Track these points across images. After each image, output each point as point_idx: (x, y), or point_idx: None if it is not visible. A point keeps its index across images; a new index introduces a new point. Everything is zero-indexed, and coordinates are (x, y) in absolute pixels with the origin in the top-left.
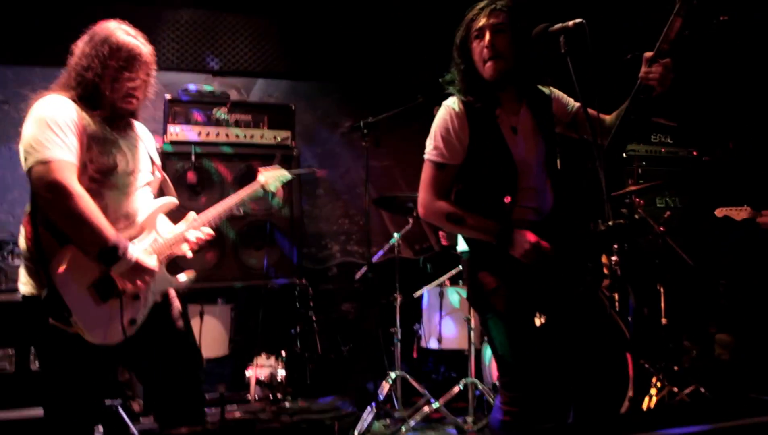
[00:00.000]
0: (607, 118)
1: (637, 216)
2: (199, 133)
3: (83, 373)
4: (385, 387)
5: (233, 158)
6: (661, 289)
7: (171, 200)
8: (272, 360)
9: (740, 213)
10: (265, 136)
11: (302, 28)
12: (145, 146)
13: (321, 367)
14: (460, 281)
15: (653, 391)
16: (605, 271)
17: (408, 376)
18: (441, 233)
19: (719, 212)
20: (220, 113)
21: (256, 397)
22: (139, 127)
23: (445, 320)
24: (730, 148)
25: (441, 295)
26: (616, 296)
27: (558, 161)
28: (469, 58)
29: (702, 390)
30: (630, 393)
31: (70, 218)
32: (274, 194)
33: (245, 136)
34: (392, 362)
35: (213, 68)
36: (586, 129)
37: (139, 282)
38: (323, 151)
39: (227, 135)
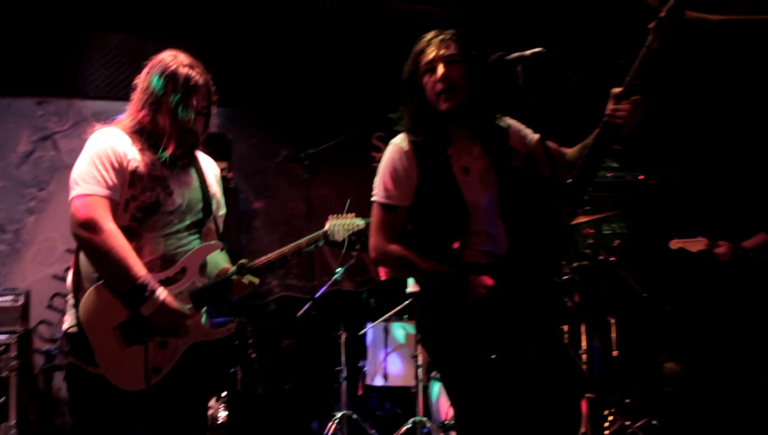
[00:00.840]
0: (568, 151)
1: (601, 257)
2: None
3: (107, 415)
4: (332, 427)
5: None
6: (612, 321)
7: (215, 243)
8: (213, 401)
9: (696, 244)
10: None
11: (236, 56)
12: (203, 185)
13: (263, 407)
14: (405, 316)
15: (606, 425)
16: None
17: (354, 415)
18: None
19: (674, 244)
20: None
21: None
22: (204, 162)
23: (391, 357)
24: (676, 170)
25: (386, 330)
26: (566, 328)
27: (513, 201)
28: (419, 94)
29: (654, 422)
30: (582, 429)
31: (98, 255)
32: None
33: None
34: (338, 400)
35: None
36: (545, 164)
37: (166, 327)
38: (260, 181)
39: None
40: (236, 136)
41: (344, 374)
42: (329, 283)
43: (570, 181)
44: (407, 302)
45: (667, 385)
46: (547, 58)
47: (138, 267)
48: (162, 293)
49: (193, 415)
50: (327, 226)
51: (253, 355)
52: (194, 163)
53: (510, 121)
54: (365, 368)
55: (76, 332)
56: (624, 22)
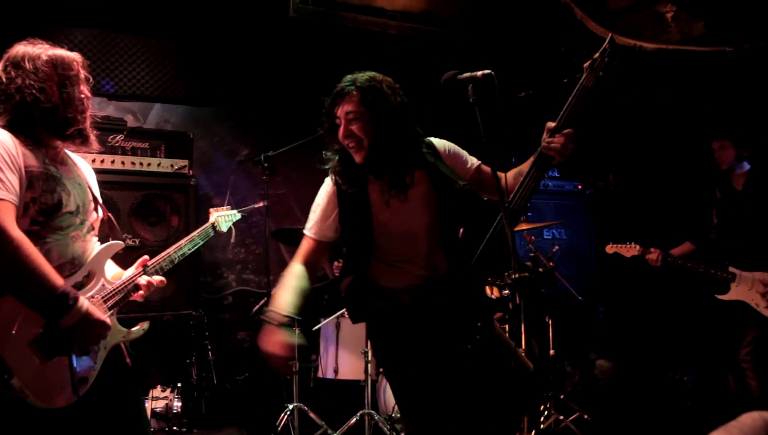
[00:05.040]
0: (505, 175)
1: (541, 269)
2: (93, 161)
3: None
4: (283, 418)
5: (129, 187)
6: (550, 321)
7: (118, 243)
8: (168, 392)
9: (630, 250)
10: (162, 164)
11: (201, 54)
12: (87, 183)
13: (217, 397)
14: None
15: (541, 419)
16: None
17: (305, 407)
18: (335, 264)
19: (609, 249)
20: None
21: (152, 429)
22: (78, 160)
23: (342, 352)
24: (610, 181)
25: (338, 326)
26: (507, 328)
27: (456, 224)
28: (339, 143)
29: (585, 417)
30: (521, 424)
31: (8, 266)
32: (227, 233)
33: (141, 164)
34: (290, 392)
35: (108, 91)
36: (488, 188)
37: (87, 338)
38: (220, 179)
39: (123, 163)
40: (197, 133)
41: (296, 367)
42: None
43: (508, 205)
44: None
45: (599, 381)
46: (496, 80)
47: (54, 275)
48: (84, 303)
49: (131, 417)
50: (212, 219)
51: (209, 347)
52: (70, 161)
53: (446, 144)
54: (317, 362)
55: None
56: (569, 41)
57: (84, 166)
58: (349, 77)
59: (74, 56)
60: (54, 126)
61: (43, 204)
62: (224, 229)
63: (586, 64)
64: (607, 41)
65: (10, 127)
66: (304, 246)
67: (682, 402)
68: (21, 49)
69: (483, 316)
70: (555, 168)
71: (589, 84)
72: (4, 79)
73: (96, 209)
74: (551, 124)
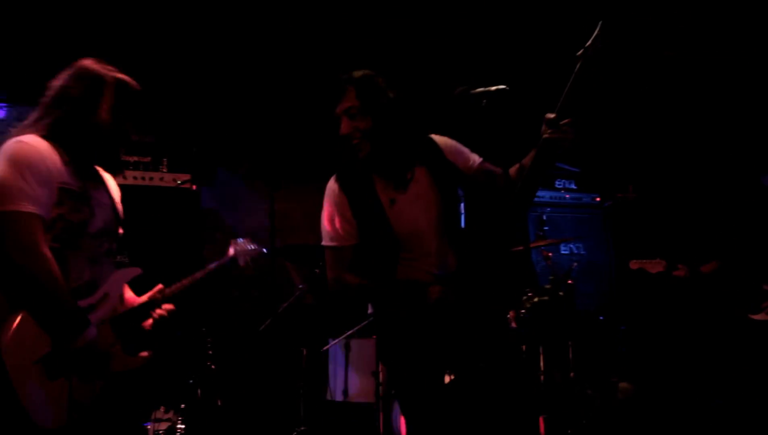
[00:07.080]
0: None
1: (561, 293)
2: None
3: None
4: None
5: (131, 202)
6: (569, 342)
7: (136, 269)
8: (171, 413)
9: (655, 266)
10: (165, 178)
11: (201, 66)
12: (115, 203)
13: (222, 419)
14: (367, 334)
15: None
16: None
17: (314, 431)
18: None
19: (633, 265)
20: None
21: None
22: (108, 179)
23: (352, 373)
24: (630, 192)
25: (348, 347)
26: (524, 348)
27: (459, 221)
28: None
29: None
30: None
31: (33, 283)
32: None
33: (144, 178)
34: (297, 416)
35: None
36: (492, 184)
37: (90, 366)
38: (223, 193)
39: (124, 177)
40: (201, 147)
41: (304, 389)
42: (292, 297)
43: (512, 199)
44: (369, 320)
45: (621, 405)
46: (510, 94)
47: (69, 299)
48: (93, 332)
49: None
50: (231, 251)
51: (213, 367)
52: (101, 180)
53: (447, 140)
54: (326, 384)
55: None
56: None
57: (112, 184)
58: (344, 75)
59: (137, 88)
60: (95, 149)
61: (69, 222)
62: (242, 263)
63: (579, 53)
64: (598, 28)
65: (50, 137)
66: (335, 256)
67: (712, 429)
68: (90, 65)
69: (495, 314)
70: (570, 179)
71: (582, 72)
72: (62, 87)
73: (117, 231)
74: (550, 115)
